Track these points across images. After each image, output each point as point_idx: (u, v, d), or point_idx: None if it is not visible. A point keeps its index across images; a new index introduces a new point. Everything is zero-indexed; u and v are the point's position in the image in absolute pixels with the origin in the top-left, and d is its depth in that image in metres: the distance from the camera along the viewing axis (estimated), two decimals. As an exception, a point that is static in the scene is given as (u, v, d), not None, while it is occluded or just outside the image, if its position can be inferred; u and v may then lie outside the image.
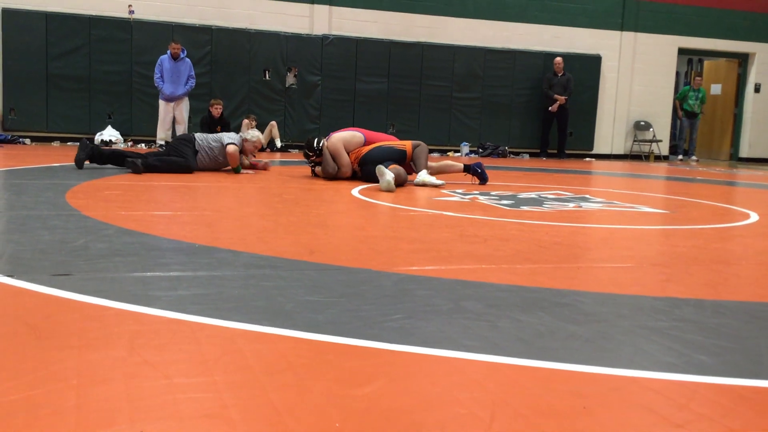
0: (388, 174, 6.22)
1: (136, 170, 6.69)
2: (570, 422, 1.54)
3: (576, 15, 13.88)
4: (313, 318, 2.20)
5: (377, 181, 6.80)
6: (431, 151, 12.84)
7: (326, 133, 7.70)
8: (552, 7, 13.73)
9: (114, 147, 10.00)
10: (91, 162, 7.01)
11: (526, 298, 2.58)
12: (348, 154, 7.03)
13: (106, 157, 7.07)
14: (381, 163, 6.75)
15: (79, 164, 6.89)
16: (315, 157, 7.13)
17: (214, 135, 7.44)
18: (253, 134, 7.55)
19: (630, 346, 2.07)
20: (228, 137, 7.31)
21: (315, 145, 7.10)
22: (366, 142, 7.08)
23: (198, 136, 7.35)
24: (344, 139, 7.03)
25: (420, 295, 2.55)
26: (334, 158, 7.01)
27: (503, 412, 1.57)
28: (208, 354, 1.85)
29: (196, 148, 7.19)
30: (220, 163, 7.36)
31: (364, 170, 6.95)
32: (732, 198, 7.24)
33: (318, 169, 7.22)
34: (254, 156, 7.69)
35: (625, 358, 1.97)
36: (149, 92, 11.22)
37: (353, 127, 7.78)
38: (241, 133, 7.53)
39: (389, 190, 6.17)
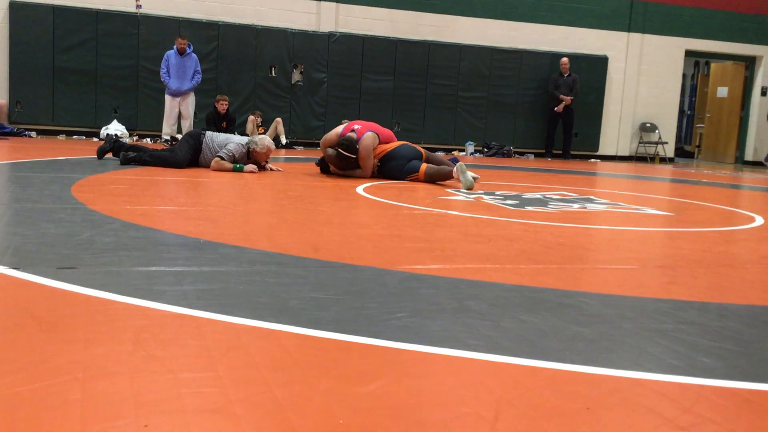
0: (468, 173, 6.44)
1: (122, 161, 6.98)
2: (573, 423, 1.54)
3: (583, 16, 13.86)
4: (317, 315, 2.20)
5: (398, 179, 6.91)
6: (435, 149, 12.87)
7: (330, 128, 7.60)
8: (559, 7, 13.71)
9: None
10: (114, 155, 7.27)
11: (531, 299, 2.58)
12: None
13: (126, 152, 7.09)
14: (410, 160, 6.89)
15: (99, 154, 7.28)
16: (349, 155, 6.84)
17: (223, 137, 7.24)
18: (262, 143, 7.07)
19: (634, 348, 2.07)
20: (234, 143, 7.06)
21: (353, 145, 6.83)
22: (381, 142, 7.11)
23: (208, 134, 7.23)
24: (374, 141, 6.98)
25: (424, 294, 2.55)
26: (361, 160, 6.96)
27: (507, 411, 1.57)
28: (213, 349, 1.85)
29: (202, 146, 7.11)
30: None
31: (389, 166, 6.97)
32: (737, 201, 7.23)
33: (332, 168, 7.08)
34: (266, 163, 7.30)
35: (629, 359, 1.97)
36: (155, 87, 11.23)
37: (360, 120, 7.66)
38: (250, 137, 7.26)
39: (470, 187, 6.39)
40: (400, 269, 2.95)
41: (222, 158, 6.97)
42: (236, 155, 7.03)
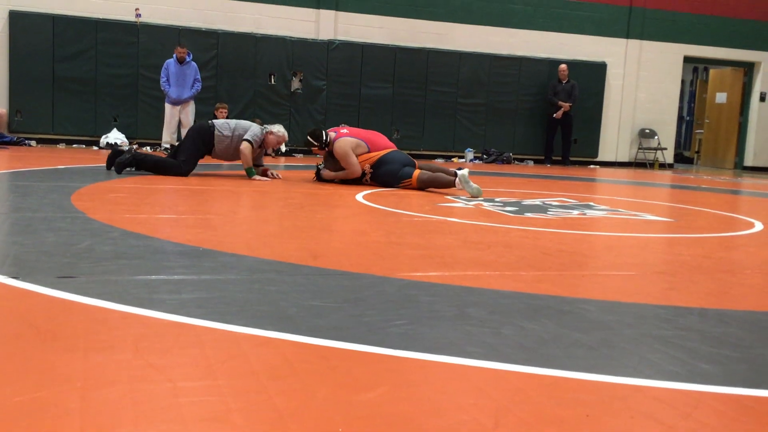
0: (471, 181, 6.39)
1: (120, 163, 6.82)
2: (573, 430, 1.53)
3: (582, 22, 13.90)
4: (316, 323, 2.20)
5: (389, 185, 6.87)
6: (435, 156, 12.89)
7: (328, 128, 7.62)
8: (558, 14, 13.75)
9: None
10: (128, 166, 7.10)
11: (530, 305, 2.58)
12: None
13: (140, 161, 7.02)
14: (404, 166, 6.85)
15: (113, 166, 6.96)
16: (318, 149, 7.07)
17: (240, 124, 7.20)
18: (279, 130, 7.28)
19: (634, 355, 2.07)
20: (251, 131, 7.06)
21: (323, 138, 7.00)
22: (369, 151, 7.06)
23: (218, 125, 7.11)
24: (352, 145, 7.01)
25: (424, 301, 2.55)
26: (340, 161, 6.99)
27: (506, 419, 1.57)
28: (212, 358, 1.85)
29: (215, 140, 7.04)
30: (237, 154, 7.15)
31: (382, 171, 6.92)
32: (736, 207, 7.23)
33: (325, 172, 7.17)
34: (274, 149, 7.41)
35: (629, 366, 1.97)
36: (155, 95, 11.25)
37: (357, 128, 7.67)
38: (266, 126, 7.31)
39: (479, 194, 6.32)
40: (399, 276, 2.94)
41: (250, 143, 7.00)
42: (258, 142, 7.10)
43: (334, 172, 7.12)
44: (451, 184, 6.60)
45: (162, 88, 10.63)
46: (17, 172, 6.63)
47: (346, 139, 7.01)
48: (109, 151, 7.67)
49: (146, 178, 6.64)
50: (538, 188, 7.99)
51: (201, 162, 7.45)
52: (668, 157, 14.84)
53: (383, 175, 6.92)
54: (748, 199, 8.37)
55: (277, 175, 7.46)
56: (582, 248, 4.06)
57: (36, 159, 8.33)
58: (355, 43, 12.56)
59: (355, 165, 6.94)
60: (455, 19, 13.21)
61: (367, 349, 1.98)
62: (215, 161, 8.33)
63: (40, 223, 3.77)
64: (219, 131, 7.07)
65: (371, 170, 6.99)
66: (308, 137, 7.08)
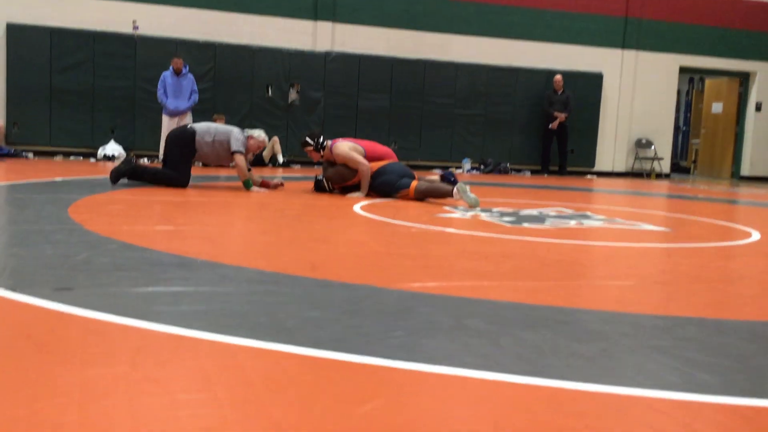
0: (469, 191, 6.37)
1: (116, 173, 6.86)
2: (572, 441, 1.53)
3: (578, 33, 13.96)
4: (314, 334, 2.20)
5: (387, 196, 6.88)
6: (432, 167, 12.90)
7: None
8: (554, 25, 13.81)
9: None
10: (129, 178, 7.06)
11: (528, 316, 2.58)
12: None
13: (140, 173, 7.04)
14: (402, 177, 6.86)
15: (114, 178, 6.93)
16: (313, 150, 7.15)
17: (221, 127, 7.18)
18: (260, 135, 7.33)
19: (632, 365, 2.07)
20: (234, 138, 7.01)
21: (320, 140, 7.12)
22: (365, 156, 7.08)
23: (198, 130, 7.07)
24: (349, 146, 7.04)
25: (422, 312, 2.55)
26: (347, 163, 7.00)
27: (505, 430, 1.57)
28: (209, 370, 1.85)
29: (196, 146, 7.01)
30: (222, 158, 7.19)
31: (380, 181, 6.92)
32: (733, 216, 7.24)
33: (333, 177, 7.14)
34: (254, 155, 7.52)
35: (628, 376, 1.97)
36: (152, 107, 11.26)
37: (354, 138, 7.71)
38: (246, 130, 7.33)
39: (477, 204, 6.31)
40: (397, 287, 2.94)
41: (243, 153, 7.01)
42: (243, 147, 7.12)
43: (340, 177, 7.10)
44: (449, 194, 6.60)
45: (159, 100, 10.65)
46: (14, 184, 6.62)
47: (342, 142, 7.10)
48: (109, 163, 7.70)
49: (143, 189, 6.64)
50: (535, 198, 8.00)
51: (199, 173, 7.45)
52: (665, 167, 14.88)
53: (381, 185, 6.94)
54: (745, 208, 8.38)
55: (279, 183, 7.46)
56: (580, 258, 4.07)
57: (33, 171, 8.33)
58: (352, 54, 12.59)
59: (361, 160, 6.96)
60: (452, 30, 13.26)
61: (366, 361, 1.98)
62: (213, 172, 8.33)
63: (37, 236, 3.77)
64: (200, 137, 7.05)
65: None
66: (306, 137, 7.20)
